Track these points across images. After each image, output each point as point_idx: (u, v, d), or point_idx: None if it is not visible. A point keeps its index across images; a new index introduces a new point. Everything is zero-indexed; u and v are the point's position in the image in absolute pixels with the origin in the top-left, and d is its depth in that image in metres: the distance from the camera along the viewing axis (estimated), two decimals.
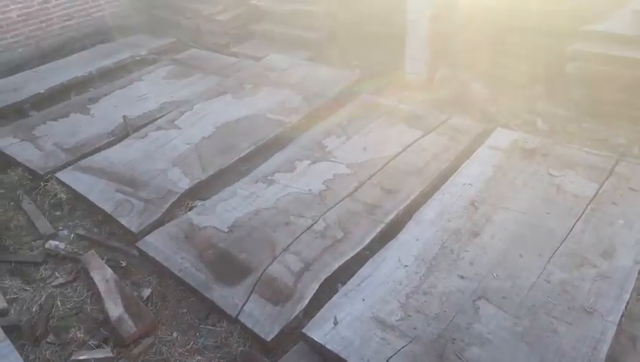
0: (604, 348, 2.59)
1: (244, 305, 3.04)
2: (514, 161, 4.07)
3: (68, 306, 3.24)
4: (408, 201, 3.75)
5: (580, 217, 3.42)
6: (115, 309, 3.07)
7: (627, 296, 2.84)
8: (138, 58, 6.73)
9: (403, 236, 3.43)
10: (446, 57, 5.60)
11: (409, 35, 5.46)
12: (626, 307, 2.80)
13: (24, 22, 7.05)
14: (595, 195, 3.60)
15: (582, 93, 4.80)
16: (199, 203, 3.98)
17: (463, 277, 3.06)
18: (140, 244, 3.55)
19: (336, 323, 2.83)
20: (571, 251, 3.17)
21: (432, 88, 5.45)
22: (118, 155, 4.55)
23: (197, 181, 4.15)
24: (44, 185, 4.24)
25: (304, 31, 6.68)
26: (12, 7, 6.88)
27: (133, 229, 3.69)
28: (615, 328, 2.67)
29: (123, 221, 3.78)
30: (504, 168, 3.99)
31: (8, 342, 2.81)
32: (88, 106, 5.50)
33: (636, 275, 2.97)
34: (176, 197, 3.99)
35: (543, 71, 5.11)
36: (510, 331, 2.72)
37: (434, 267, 3.15)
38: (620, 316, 2.74)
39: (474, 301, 2.90)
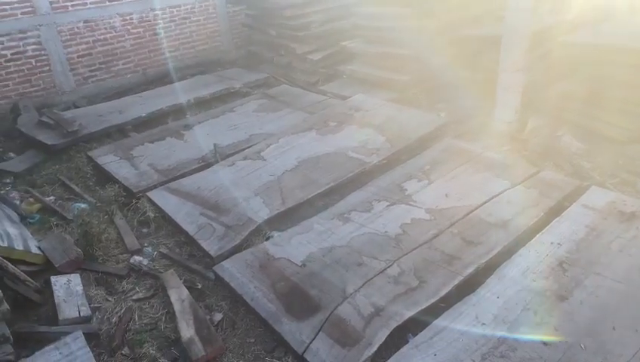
0: None
1: (311, 342, 3.00)
2: (610, 223, 3.77)
3: (144, 321, 3.37)
4: (491, 255, 3.57)
5: None
6: (187, 330, 3.15)
7: None
8: (233, 90, 7.11)
9: (483, 292, 3.26)
10: (538, 107, 5.39)
11: (500, 81, 5.32)
12: None
13: (135, 51, 7.73)
14: None
15: None
16: (276, 233, 4.05)
17: (546, 344, 2.83)
18: (216, 268, 3.65)
19: None
20: None
21: (521, 138, 5.24)
22: (205, 180, 4.77)
23: (276, 212, 4.23)
24: (136, 203, 4.51)
25: (391, 73, 6.74)
26: (127, 37, 7.59)
27: (212, 253, 3.81)
28: None
29: (203, 244, 3.92)
30: (598, 230, 3.70)
31: (88, 349, 2.96)
32: (183, 132, 5.85)
33: None
34: (256, 226, 4.09)
35: None
36: None
37: (514, 329, 2.95)
38: None
39: None
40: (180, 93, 7.01)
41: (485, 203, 4.13)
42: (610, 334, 2.87)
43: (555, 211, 3.99)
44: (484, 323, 2.99)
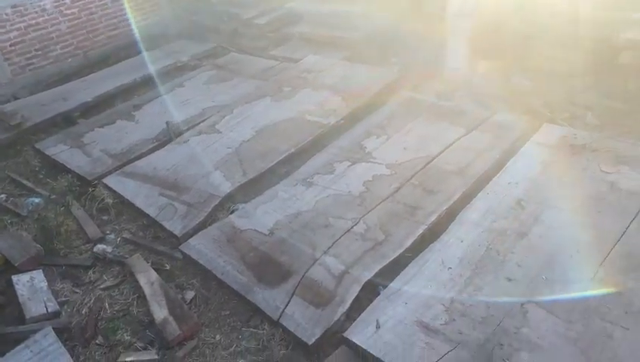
0: None
1: (285, 307, 3.04)
2: (563, 157, 3.90)
3: (115, 308, 3.32)
4: (451, 202, 3.65)
5: (635, 216, 3.24)
6: (159, 312, 3.13)
7: None
8: (180, 64, 6.87)
9: (446, 238, 3.34)
10: (488, 51, 5.43)
11: (450, 29, 5.33)
12: None
13: (72, 33, 7.33)
14: None
15: (635, 83, 4.54)
16: (240, 206, 4.01)
17: (510, 280, 2.95)
18: (183, 247, 3.61)
19: (378, 326, 2.78)
20: (626, 253, 3.00)
21: (474, 83, 5.29)
22: (161, 160, 4.65)
23: (238, 184, 4.19)
24: (92, 191, 4.37)
25: (341, 31, 6.64)
26: (61, 19, 7.18)
27: (177, 233, 3.76)
28: None
29: (166, 225, 3.85)
30: (552, 165, 3.82)
31: (60, 344, 2.91)
32: (133, 113, 5.66)
33: None
34: (218, 200, 4.04)
35: (592, 62, 4.87)
36: (561, 336, 2.60)
37: (479, 269, 3.05)
38: None
39: (522, 304, 2.79)
40: (126, 72, 6.73)
41: (442, 152, 4.19)
42: (569, 262, 3.01)
43: (510, 152, 4.09)
44: (450, 268, 3.08)
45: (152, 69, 6.74)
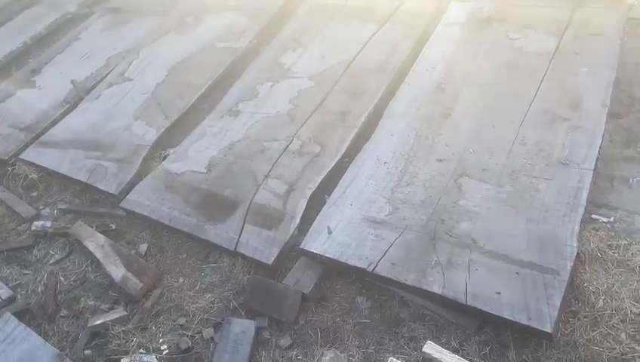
0: (584, 194, 2.70)
1: (239, 236, 3.10)
2: (473, 33, 3.99)
3: (71, 279, 3.29)
4: (376, 100, 3.72)
5: (544, 75, 3.43)
6: (117, 271, 3.13)
7: (599, 141, 2.93)
8: (70, 16, 6.29)
9: (377, 135, 3.44)
10: None
11: None
12: (599, 151, 2.89)
13: None
14: (556, 49, 3.59)
15: None
16: (171, 150, 3.92)
17: (441, 160, 3.11)
18: (123, 204, 3.54)
19: (330, 232, 2.91)
20: (541, 110, 3.21)
21: None
22: (77, 122, 4.40)
23: (163, 129, 4.06)
24: (12, 170, 4.13)
25: None
26: None
27: (113, 191, 3.67)
28: (591, 173, 2.78)
29: (100, 186, 3.74)
30: (464, 43, 3.92)
31: (23, 326, 2.88)
32: (32, 79, 5.23)
33: (605, 118, 3.04)
34: (147, 150, 3.92)
35: None
36: (495, 200, 2.82)
37: (412, 157, 3.20)
38: (594, 161, 2.83)
39: (455, 180, 2.98)
40: (12, 36, 6.11)
41: (360, 52, 4.19)
42: (492, 132, 3.20)
43: (424, 37, 4.14)
44: (385, 162, 3.21)
45: (40, 26, 6.15)
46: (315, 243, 2.88)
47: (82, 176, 3.85)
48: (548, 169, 2.89)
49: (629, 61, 3.52)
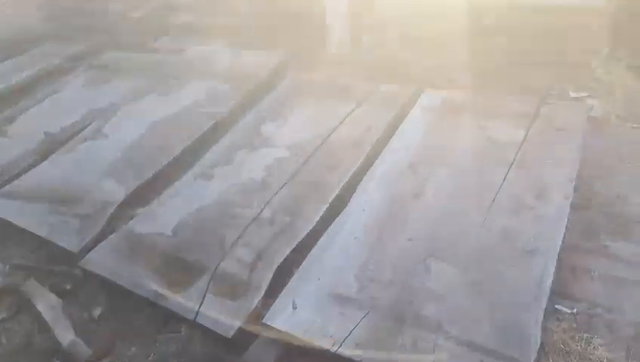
0: (548, 282, 2.74)
1: (200, 306, 2.98)
2: (445, 119, 4.17)
3: (16, 341, 3.07)
4: (350, 174, 3.78)
5: (512, 164, 3.57)
6: (65, 335, 2.94)
7: (562, 231, 3.01)
8: (53, 68, 6.34)
9: (349, 209, 3.46)
10: (368, 25, 5.62)
11: (328, 7, 5.43)
12: (562, 241, 2.96)
13: None
14: (523, 140, 3.76)
15: (500, 43, 4.95)
16: (140, 210, 3.85)
17: (411, 240, 3.13)
18: (83, 263, 3.40)
19: (295, 307, 2.83)
20: (508, 197, 3.31)
21: (358, 59, 5.47)
22: (46, 174, 4.31)
23: (133, 188, 4.00)
24: None
25: (224, 17, 6.50)
26: None
27: (73, 249, 3.53)
28: (554, 263, 2.83)
29: (61, 242, 3.60)
30: (436, 127, 4.09)
31: None
32: (4, 128, 5.15)
33: (568, 210, 3.14)
34: (114, 208, 3.83)
35: (460, 26, 5.22)
36: (461, 283, 2.82)
37: (382, 234, 3.21)
38: (557, 250, 2.89)
39: (424, 260, 2.98)
40: None
41: (337, 128, 4.31)
42: (461, 216, 3.26)
43: (399, 119, 4.30)
44: (356, 237, 3.21)
45: (22, 75, 6.16)
46: (279, 318, 2.79)
47: (42, 231, 3.71)
48: (513, 256, 2.93)
49: (590, 157, 3.70)
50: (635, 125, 4.19)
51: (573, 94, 4.55)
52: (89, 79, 5.92)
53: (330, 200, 3.57)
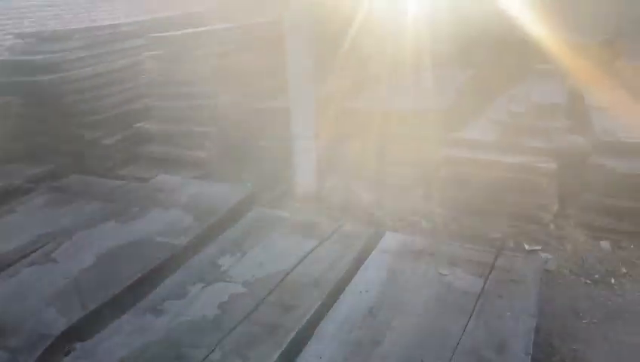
0: None
1: None
2: (405, 263, 4.20)
3: None
4: (308, 316, 3.64)
5: (471, 314, 3.54)
6: None
7: None
8: (11, 188, 6.24)
9: (306, 355, 3.28)
10: (334, 167, 5.90)
11: (295, 148, 5.71)
12: None
13: None
14: (482, 291, 3.78)
15: (456, 193, 5.24)
16: (79, 345, 3.53)
17: None
18: None
19: None
20: (468, 350, 3.22)
21: (322, 197, 5.64)
22: None
23: (75, 320, 3.71)
24: None
25: (193, 150, 6.72)
26: None
27: None
28: None
29: None
30: (397, 271, 4.08)
31: None
32: None
33: None
34: (51, 341, 3.51)
35: (422, 175, 5.55)
36: None
37: None
38: None
39: None
40: None
41: (297, 265, 4.26)
42: None
43: (360, 260, 4.30)
44: None
45: None
46: None
47: None
48: None
49: (547, 311, 3.73)
50: (587, 281, 4.32)
51: (527, 247, 4.73)
52: (47, 201, 5.80)
53: (285, 344, 3.38)
